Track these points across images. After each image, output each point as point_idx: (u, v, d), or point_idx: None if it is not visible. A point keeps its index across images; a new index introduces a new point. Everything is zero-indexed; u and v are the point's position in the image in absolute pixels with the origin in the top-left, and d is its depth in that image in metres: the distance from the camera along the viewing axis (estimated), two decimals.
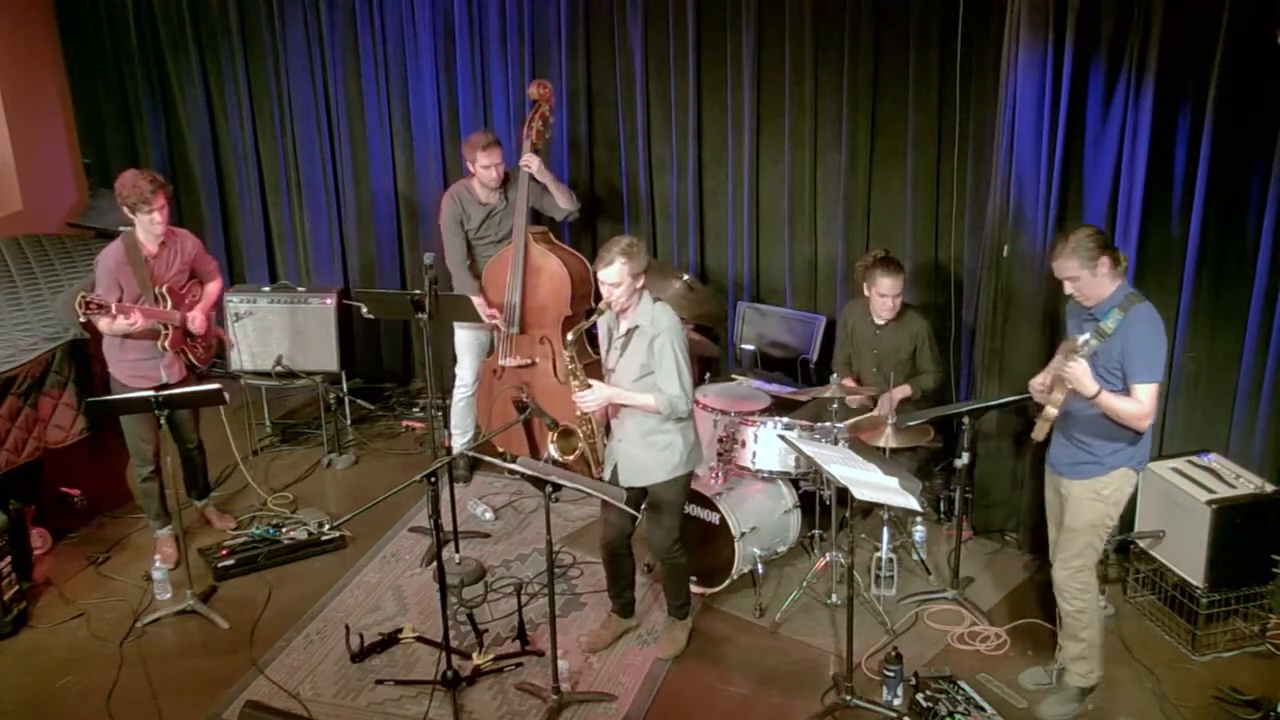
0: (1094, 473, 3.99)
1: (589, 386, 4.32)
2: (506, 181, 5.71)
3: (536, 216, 5.90)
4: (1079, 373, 3.80)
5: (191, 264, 5.16)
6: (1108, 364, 3.86)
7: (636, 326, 4.22)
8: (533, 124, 5.64)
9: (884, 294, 5.17)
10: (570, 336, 4.38)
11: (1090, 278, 3.84)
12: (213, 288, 5.27)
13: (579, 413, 4.47)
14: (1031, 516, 5.19)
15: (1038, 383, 4.04)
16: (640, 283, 4.19)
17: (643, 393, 4.22)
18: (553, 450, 4.49)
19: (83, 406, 5.25)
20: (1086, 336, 3.82)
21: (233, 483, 6.00)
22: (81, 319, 4.78)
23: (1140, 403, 3.81)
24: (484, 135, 5.65)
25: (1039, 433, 4.03)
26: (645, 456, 4.32)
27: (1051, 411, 3.91)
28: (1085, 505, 4.02)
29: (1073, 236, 3.86)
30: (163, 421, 4.78)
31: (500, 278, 5.70)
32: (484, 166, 5.57)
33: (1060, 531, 4.15)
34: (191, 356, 5.16)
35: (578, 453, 4.51)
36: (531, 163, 5.61)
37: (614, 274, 4.10)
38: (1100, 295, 3.89)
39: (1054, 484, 4.19)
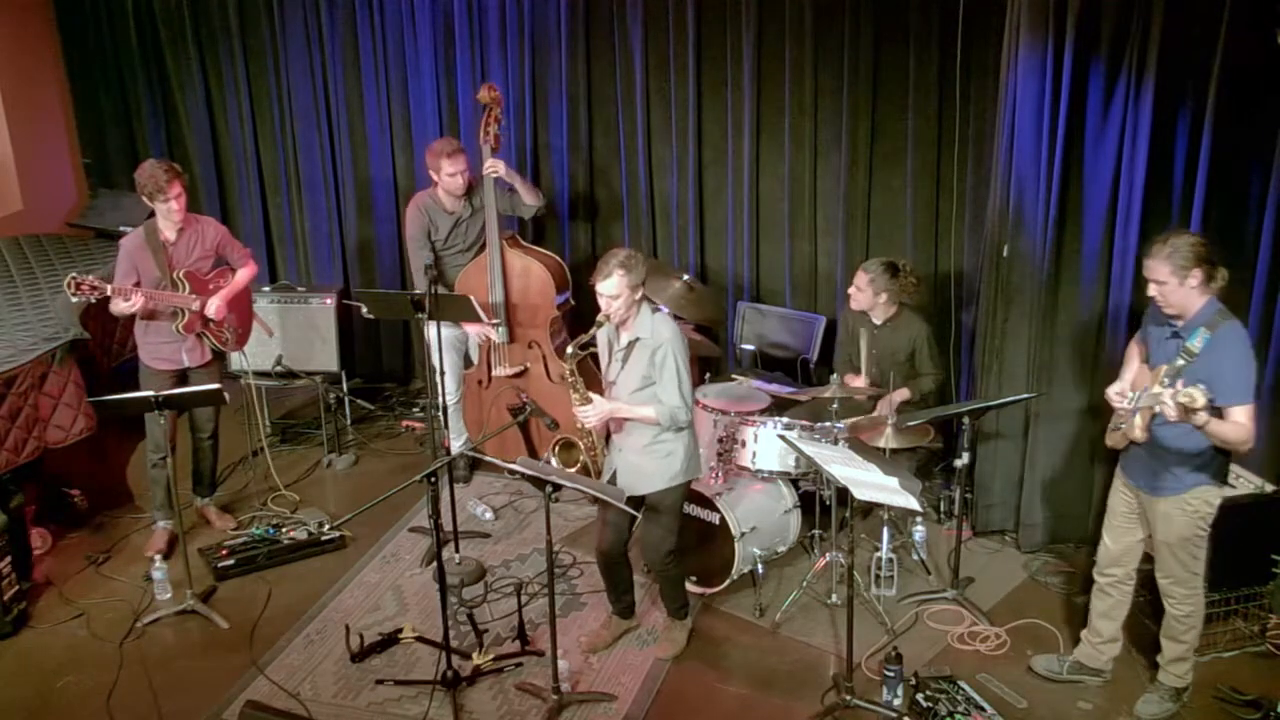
0: (1176, 490, 3.91)
1: (589, 401, 4.31)
2: (471, 189, 5.68)
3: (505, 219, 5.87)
4: (1195, 413, 3.57)
5: (217, 250, 5.21)
6: (1192, 384, 3.66)
7: (638, 339, 4.20)
8: (489, 128, 5.55)
9: (857, 287, 5.21)
10: (569, 351, 4.34)
11: (1178, 286, 3.71)
12: (242, 275, 5.31)
13: (579, 425, 4.46)
14: (1031, 516, 5.21)
15: (1117, 395, 3.95)
16: (639, 294, 4.16)
17: (643, 405, 4.21)
18: (554, 463, 4.48)
19: (83, 406, 5.25)
20: (1176, 363, 3.72)
21: (233, 482, 6.00)
22: (73, 299, 4.81)
23: (1241, 425, 3.67)
24: (448, 142, 5.60)
25: (1116, 442, 4.03)
26: (646, 464, 4.30)
27: (1138, 435, 3.87)
28: (1175, 520, 3.95)
29: (1172, 240, 3.73)
30: (163, 419, 4.79)
31: (478, 286, 5.65)
32: (449, 174, 5.51)
33: (1155, 546, 4.07)
34: (216, 341, 5.20)
35: (579, 465, 4.50)
36: (498, 166, 5.56)
37: (612, 286, 4.08)
38: (1185, 307, 3.76)
39: (1128, 493, 4.11)
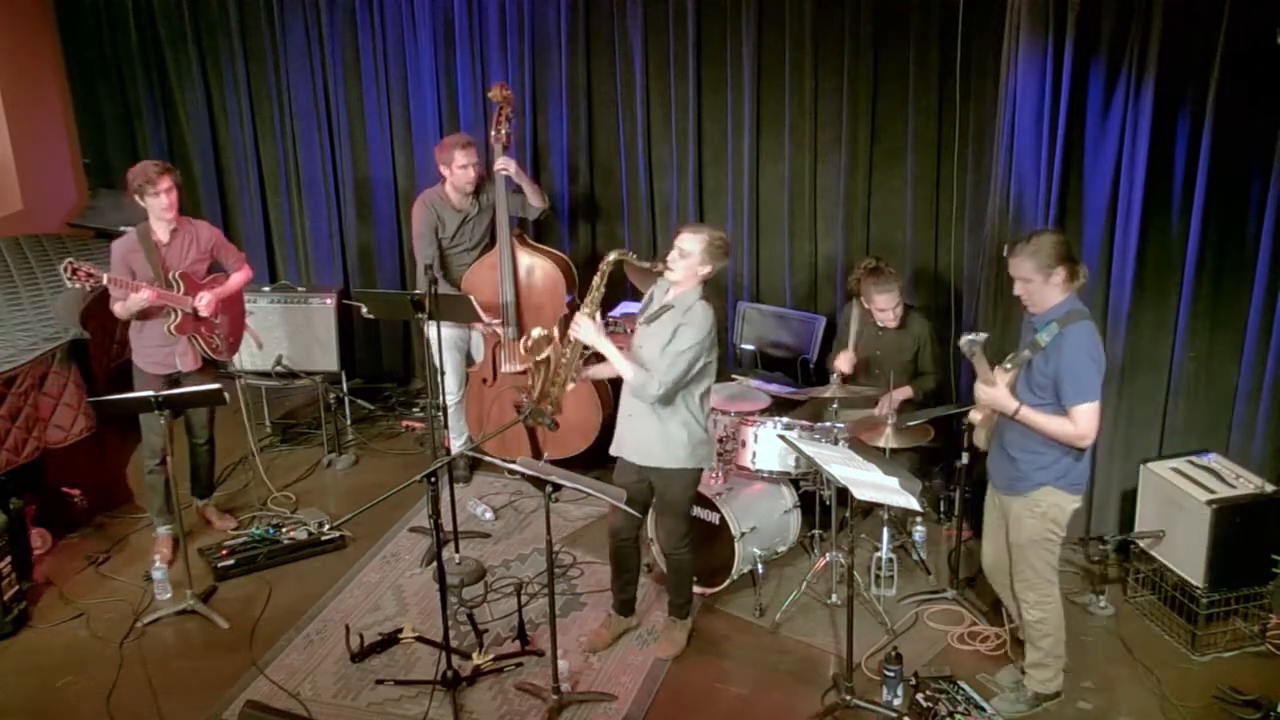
0: (1024, 489, 3.95)
1: (593, 320, 4.28)
2: (479, 187, 5.69)
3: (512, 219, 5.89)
4: (993, 396, 3.83)
5: (211, 254, 5.17)
6: (1040, 380, 3.82)
7: (673, 306, 4.23)
8: (500, 126, 5.59)
9: (882, 308, 5.18)
10: (613, 256, 4.30)
11: (1042, 284, 3.80)
12: (237, 278, 5.26)
13: (570, 334, 4.38)
14: None
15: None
16: (705, 272, 4.19)
17: (626, 360, 4.23)
18: (533, 335, 4.45)
19: (83, 406, 5.25)
20: (971, 337, 3.82)
21: (233, 482, 6.00)
22: (69, 284, 4.74)
23: (1075, 423, 3.75)
24: (460, 136, 5.65)
25: (978, 441, 4.09)
26: (648, 435, 4.31)
27: (975, 417, 4.03)
28: (1025, 522, 3.98)
29: (1035, 238, 3.82)
30: (164, 419, 4.79)
31: (487, 283, 5.67)
32: (461, 166, 5.52)
33: (1009, 548, 4.10)
34: (206, 348, 5.15)
35: (543, 356, 4.46)
36: (509, 165, 5.59)
37: (691, 244, 4.15)
38: (1045, 304, 3.84)
39: (994, 496, 4.17)
